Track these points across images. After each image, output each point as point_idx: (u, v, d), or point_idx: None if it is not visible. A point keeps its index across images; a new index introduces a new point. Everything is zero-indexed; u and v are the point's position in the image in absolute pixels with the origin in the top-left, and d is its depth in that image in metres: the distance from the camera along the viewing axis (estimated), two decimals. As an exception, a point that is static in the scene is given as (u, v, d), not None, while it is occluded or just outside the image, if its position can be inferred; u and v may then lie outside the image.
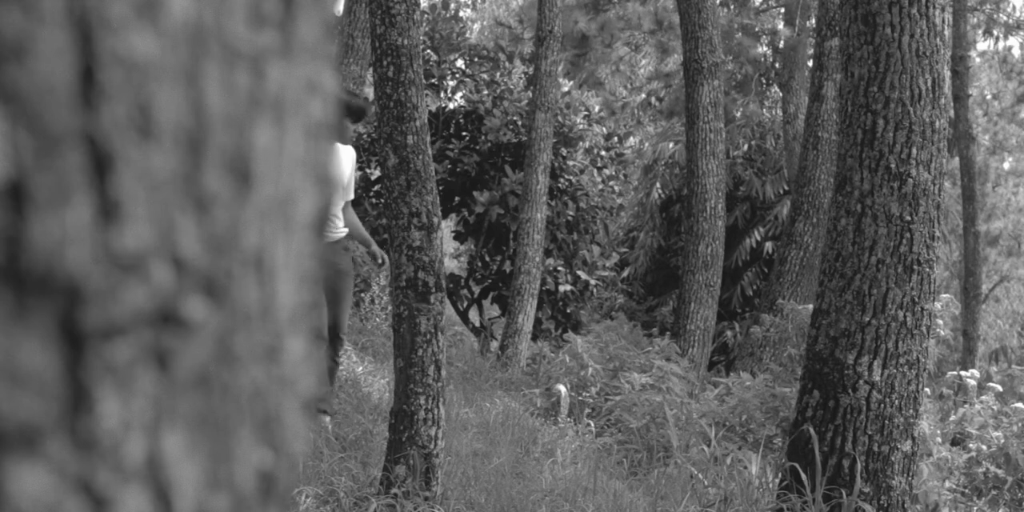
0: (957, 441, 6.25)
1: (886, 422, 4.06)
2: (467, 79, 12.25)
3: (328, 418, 5.03)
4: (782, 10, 17.47)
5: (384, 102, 3.86)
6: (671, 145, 15.80)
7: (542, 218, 9.39)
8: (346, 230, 5.22)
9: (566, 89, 13.12)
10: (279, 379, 0.44)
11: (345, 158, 5.13)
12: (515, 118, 11.73)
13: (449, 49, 12.22)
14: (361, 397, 6.00)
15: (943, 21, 4.12)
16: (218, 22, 0.40)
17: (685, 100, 10.70)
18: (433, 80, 11.85)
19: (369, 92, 9.25)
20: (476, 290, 12.40)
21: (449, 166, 11.73)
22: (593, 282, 11.85)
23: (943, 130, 4.14)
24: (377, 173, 11.86)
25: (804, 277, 10.28)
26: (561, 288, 11.65)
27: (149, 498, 0.38)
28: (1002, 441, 5.95)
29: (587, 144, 12.60)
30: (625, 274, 15.38)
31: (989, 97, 25.71)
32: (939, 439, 6.00)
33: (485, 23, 25.80)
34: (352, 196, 5.35)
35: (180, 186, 0.39)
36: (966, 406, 6.61)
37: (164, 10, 0.38)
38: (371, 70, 4.61)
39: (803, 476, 4.05)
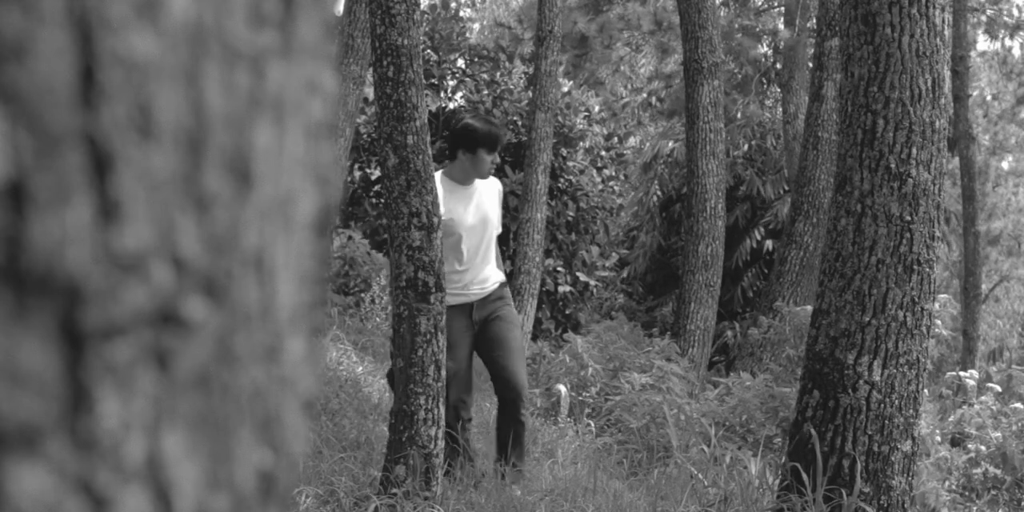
0: (956, 441, 6.25)
1: (886, 422, 4.06)
2: (467, 79, 12.26)
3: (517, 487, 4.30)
4: (782, 10, 17.47)
5: (384, 102, 3.86)
6: (670, 143, 15.81)
7: (542, 218, 9.39)
8: (501, 278, 4.54)
9: (566, 89, 13.11)
10: (279, 379, 0.44)
11: (493, 192, 4.51)
12: (515, 118, 11.73)
13: (449, 49, 12.22)
14: (361, 397, 6.00)
15: (943, 21, 4.12)
16: (218, 22, 0.40)
17: (685, 100, 10.69)
18: (433, 80, 11.86)
19: (369, 92, 9.25)
20: (476, 290, 12.37)
21: (449, 166, 11.71)
22: (593, 283, 11.85)
23: (943, 130, 4.13)
24: (377, 173, 11.86)
25: (804, 277, 10.27)
26: (560, 288, 11.65)
27: (149, 498, 0.38)
28: (1001, 441, 5.95)
29: (587, 144, 12.60)
30: (625, 274, 15.38)
31: (989, 98, 25.71)
32: (938, 439, 6.00)
33: (485, 23, 25.80)
34: (499, 229, 4.68)
35: (180, 186, 0.39)
36: (965, 406, 6.61)
37: (164, 10, 0.38)
38: (371, 70, 4.61)
39: (804, 476, 4.05)
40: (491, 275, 4.46)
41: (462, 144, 4.34)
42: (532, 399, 6.91)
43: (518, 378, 4.35)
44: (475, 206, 4.38)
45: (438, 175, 4.32)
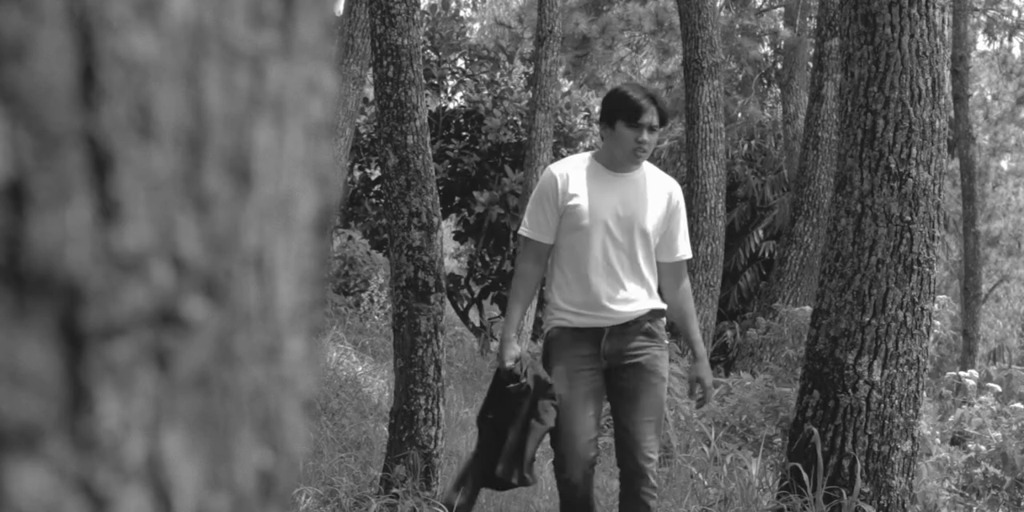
0: (956, 441, 6.26)
1: (886, 422, 4.07)
2: (467, 79, 12.26)
3: None
4: (782, 10, 17.49)
5: (384, 102, 3.86)
6: (665, 142, 15.85)
7: (542, 218, 9.37)
8: (655, 304, 3.40)
9: (566, 89, 13.12)
10: (279, 379, 0.44)
11: (661, 195, 3.42)
12: (515, 118, 11.73)
13: (449, 49, 12.22)
14: (361, 397, 6.00)
15: (943, 21, 4.12)
16: (218, 22, 0.40)
17: (685, 100, 10.69)
18: (433, 80, 11.86)
19: (369, 92, 9.25)
20: (476, 290, 12.39)
21: (449, 166, 11.73)
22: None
23: (943, 130, 4.14)
24: (377, 173, 11.86)
25: (804, 277, 10.28)
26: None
27: (149, 498, 0.38)
28: (1001, 441, 5.95)
29: (587, 144, 12.60)
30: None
31: (989, 98, 25.71)
32: (938, 439, 6.00)
33: (485, 23, 25.80)
34: (683, 253, 3.50)
35: (180, 186, 0.39)
36: (965, 406, 6.61)
37: (164, 10, 0.38)
38: (371, 70, 4.60)
39: (804, 476, 4.05)
40: (637, 296, 3.33)
41: (603, 117, 3.37)
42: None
43: (643, 448, 3.31)
44: (623, 199, 3.35)
45: (586, 156, 3.48)
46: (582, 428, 3.29)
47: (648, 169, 3.44)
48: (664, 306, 3.44)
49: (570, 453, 3.28)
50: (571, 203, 3.32)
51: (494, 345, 10.50)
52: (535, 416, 3.28)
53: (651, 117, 3.28)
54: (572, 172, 3.38)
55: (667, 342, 3.48)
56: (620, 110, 3.27)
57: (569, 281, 3.33)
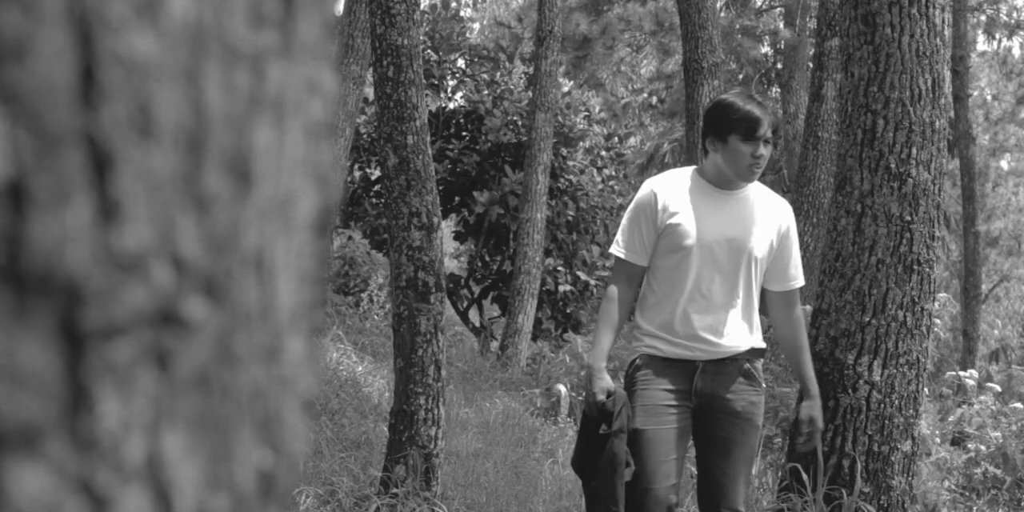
0: (956, 441, 6.26)
1: (886, 422, 4.07)
2: (467, 79, 12.26)
3: None
4: (782, 10, 17.50)
5: (384, 102, 3.86)
6: (665, 144, 15.88)
7: (542, 218, 9.40)
8: (756, 343, 3.10)
9: (566, 89, 13.12)
10: (279, 379, 0.44)
11: (773, 218, 3.15)
12: (515, 118, 11.73)
13: (449, 49, 12.22)
14: (361, 397, 6.00)
15: (943, 21, 4.12)
16: (218, 22, 0.40)
17: (685, 100, 10.69)
18: (433, 80, 11.86)
19: (369, 92, 9.25)
20: (476, 290, 12.40)
21: (449, 166, 11.73)
22: (593, 282, 11.86)
23: (943, 130, 4.14)
24: (377, 173, 11.86)
25: (804, 277, 10.28)
26: (561, 288, 11.66)
27: (149, 498, 0.38)
28: (1001, 441, 5.95)
29: (587, 144, 12.61)
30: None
31: (989, 98, 25.72)
32: (938, 439, 6.00)
33: (485, 23, 25.81)
34: (796, 281, 3.23)
35: (180, 186, 0.39)
36: (965, 406, 6.61)
37: (164, 10, 0.38)
38: (371, 70, 4.60)
39: (804, 476, 4.05)
40: (737, 329, 3.03)
41: (710, 130, 3.03)
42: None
43: (732, 501, 3.04)
44: (732, 219, 3.05)
45: (687, 171, 3.18)
46: (665, 470, 2.98)
47: (757, 188, 3.16)
48: (764, 346, 3.13)
49: (648, 498, 2.95)
50: (672, 222, 3.02)
51: (494, 345, 10.50)
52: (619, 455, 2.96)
53: (767, 128, 2.99)
54: (673, 188, 3.08)
55: (764, 386, 3.14)
56: (734, 123, 2.96)
57: (661, 306, 3.04)
